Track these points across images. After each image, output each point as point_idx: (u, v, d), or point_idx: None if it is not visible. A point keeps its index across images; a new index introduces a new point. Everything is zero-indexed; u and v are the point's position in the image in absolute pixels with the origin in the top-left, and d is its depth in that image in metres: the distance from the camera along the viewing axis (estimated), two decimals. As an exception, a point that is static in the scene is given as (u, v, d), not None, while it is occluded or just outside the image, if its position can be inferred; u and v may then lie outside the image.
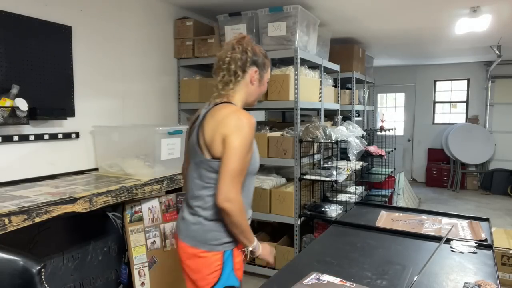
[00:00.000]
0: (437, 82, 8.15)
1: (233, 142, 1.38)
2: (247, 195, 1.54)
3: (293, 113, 3.15)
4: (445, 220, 1.76)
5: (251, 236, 1.49)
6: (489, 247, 1.40)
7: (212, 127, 1.43)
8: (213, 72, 1.57)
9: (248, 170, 1.47)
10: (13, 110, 2.10)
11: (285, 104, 3.10)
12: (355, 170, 3.63)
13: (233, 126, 1.40)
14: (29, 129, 2.32)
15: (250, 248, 1.50)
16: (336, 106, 4.31)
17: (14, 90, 2.13)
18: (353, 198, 3.68)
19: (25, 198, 1.84)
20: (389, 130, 5.01)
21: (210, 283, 1.48)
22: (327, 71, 4.00)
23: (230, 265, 1.50)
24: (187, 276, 1.56)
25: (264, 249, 1.56)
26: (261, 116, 5.20)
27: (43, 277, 1.25)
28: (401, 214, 1.88)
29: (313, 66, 3.71)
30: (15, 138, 2.23)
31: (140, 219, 2.39)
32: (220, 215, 1.45)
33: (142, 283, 2.34)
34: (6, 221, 1.59)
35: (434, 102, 8.19)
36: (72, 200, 1.89)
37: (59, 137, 2.48)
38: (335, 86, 4.38)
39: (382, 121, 5.54)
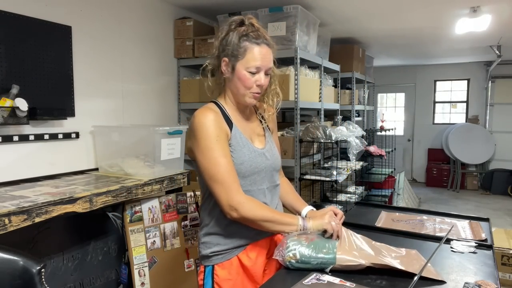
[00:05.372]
0: (437, 82, 8.14)
1: (196, 147, 1.27)
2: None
3: (293, 113, 3.15)
4: (445, 220, 1.76)
5: (287, 220, 1.27)
6: (489, 247, 1.40)
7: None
8: None
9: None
10: (13, 110, 2.10)
11: (285, 104, 3.09)
12: (355, 170, 3.63)
13: (190, 131, 1.30)
14: (29, 129, 2.31)
15: (296, 233, 1.25)
16: (336, 106, 4.31)
17: (14, 90, 2.13)
18: (353, 198, 3.68)
19: (25, 198, 1.84)
20: (389, 130, 5.01)
21: None
22: (327, 71, 4.00)
23: (209, 285, 1.32)
24: None
25: (315, 221, 1.28)
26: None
27: (43, 277, 1.25)
28: (401, 214, 1.88)
29: (313, 66, 3.71)
30: (15, 138, 2.23)
31: (140, 219, 2.38)
32: (201, 222, 1.39)
33: (142, 283, 2.34)
34: (6, 221, 1.59)
35: (434, 102, 8.19)
36: (72, 200, 1.89)
37: (59, 137, 2.48)
38: (335, 86, 4.38)
39: (382, 121, 5.55)
